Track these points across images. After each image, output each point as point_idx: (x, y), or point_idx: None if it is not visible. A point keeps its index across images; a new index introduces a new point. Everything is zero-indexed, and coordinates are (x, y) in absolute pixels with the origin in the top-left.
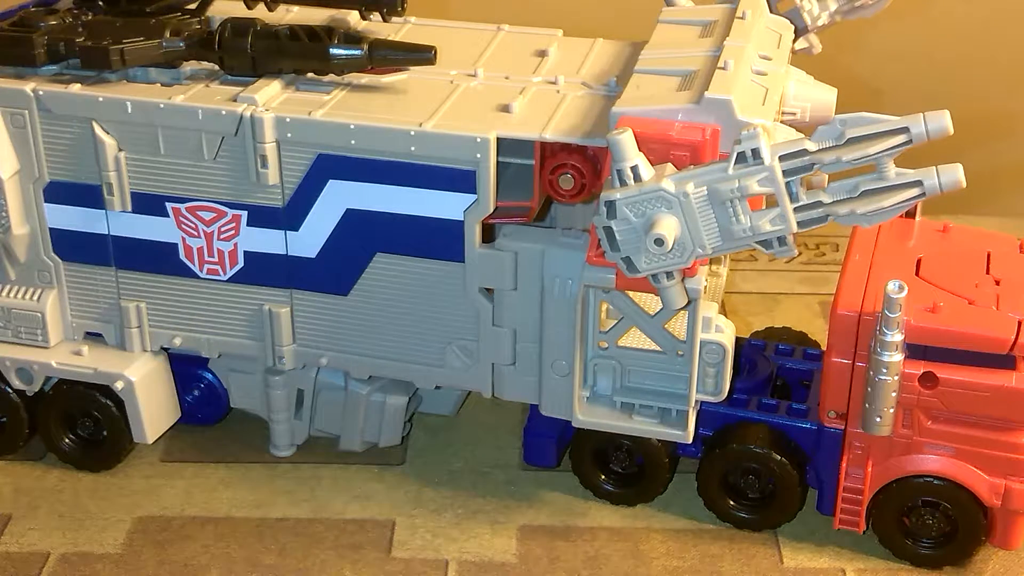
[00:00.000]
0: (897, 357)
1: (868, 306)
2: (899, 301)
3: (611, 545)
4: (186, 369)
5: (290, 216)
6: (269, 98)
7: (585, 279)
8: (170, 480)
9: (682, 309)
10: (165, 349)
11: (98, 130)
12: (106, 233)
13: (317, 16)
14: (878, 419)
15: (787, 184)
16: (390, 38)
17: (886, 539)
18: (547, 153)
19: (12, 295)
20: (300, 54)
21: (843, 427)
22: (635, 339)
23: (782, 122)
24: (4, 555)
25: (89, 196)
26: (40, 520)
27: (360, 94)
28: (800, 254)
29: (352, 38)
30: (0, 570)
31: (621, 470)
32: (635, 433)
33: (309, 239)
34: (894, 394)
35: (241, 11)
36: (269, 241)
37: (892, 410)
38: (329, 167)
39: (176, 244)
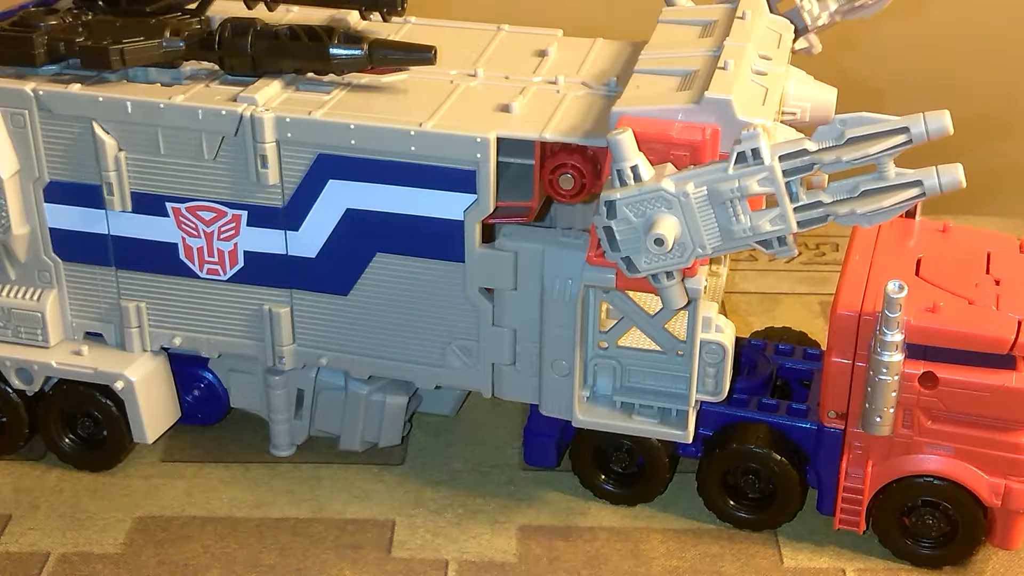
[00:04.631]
0: (897, 357)
1: (868, 306)
2: (899, 301)
3: (611, 545)
4: (186, 369)
5: (290, 216)
6: (269, 98)
7: (585, 279)
8: (170, 480)
9: (682, 309)
10: (165, 349)
11: (98, 130)
12: (106, 233)
13: (317, 16)
14: (878, 419)
15: (787, 184)
16: (390, 38)
17: (886, 539)
18: (547, 153)
19: (12, 295)
20: (300, 54)
21: (843, 427)
22: (635, 339)
23: (782, 122)
24: (4, 555)
25: (89, 196)
26: (40, 520)
27: (360, 94)
28: (800, 254)
29: (352, 38)
30: (0, 570)
31: (621, 470)
32: (635, 433)
33: (309, 239)
34: (894, 394)
35: (241, 11)
36: (269, 241)
37: (892, 410)
38: (329, 167)
39: (176, 244)
